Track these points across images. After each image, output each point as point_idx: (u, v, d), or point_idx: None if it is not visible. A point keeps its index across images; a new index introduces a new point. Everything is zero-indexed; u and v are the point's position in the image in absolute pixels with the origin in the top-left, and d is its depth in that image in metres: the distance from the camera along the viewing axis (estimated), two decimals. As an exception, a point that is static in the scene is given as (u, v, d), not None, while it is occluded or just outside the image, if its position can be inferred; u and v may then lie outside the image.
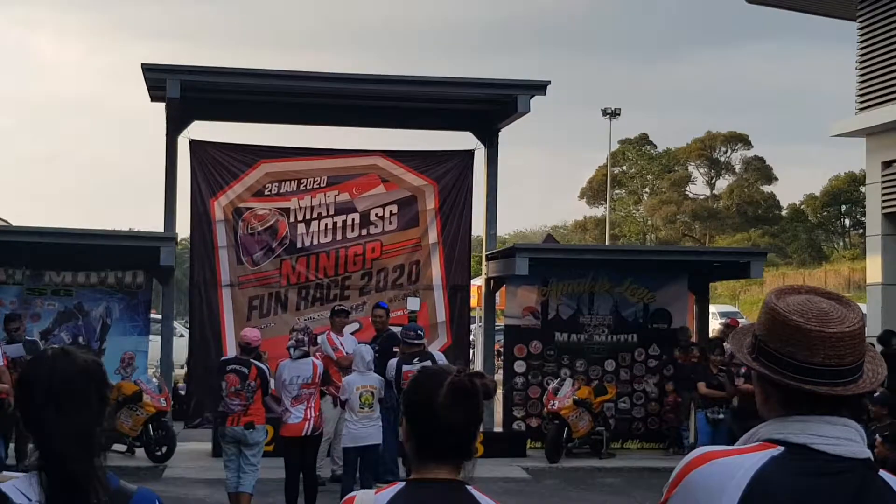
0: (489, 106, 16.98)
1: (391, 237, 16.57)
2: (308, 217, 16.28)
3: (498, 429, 16.58)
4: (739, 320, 29.73)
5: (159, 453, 14.42)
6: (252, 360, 10.84)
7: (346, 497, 2.98)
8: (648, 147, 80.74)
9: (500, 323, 19.99)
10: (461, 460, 2.96)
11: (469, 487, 2.96)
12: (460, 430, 2.93)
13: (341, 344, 13.31)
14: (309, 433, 10.86)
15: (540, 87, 15.93)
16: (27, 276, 15.73)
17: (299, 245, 16.21)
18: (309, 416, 10.84)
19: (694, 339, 17.01)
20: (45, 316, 15.31)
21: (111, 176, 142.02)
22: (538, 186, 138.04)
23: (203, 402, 15.37)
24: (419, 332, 12.04)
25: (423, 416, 2.94)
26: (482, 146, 17.09)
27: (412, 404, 3.00)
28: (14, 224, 23.57)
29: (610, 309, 16.90)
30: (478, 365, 18.76)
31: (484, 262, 17.75)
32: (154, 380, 15.16)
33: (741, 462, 2.31)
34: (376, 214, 16.52)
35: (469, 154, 17.05)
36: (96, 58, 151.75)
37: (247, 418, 10.66)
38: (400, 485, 2.93)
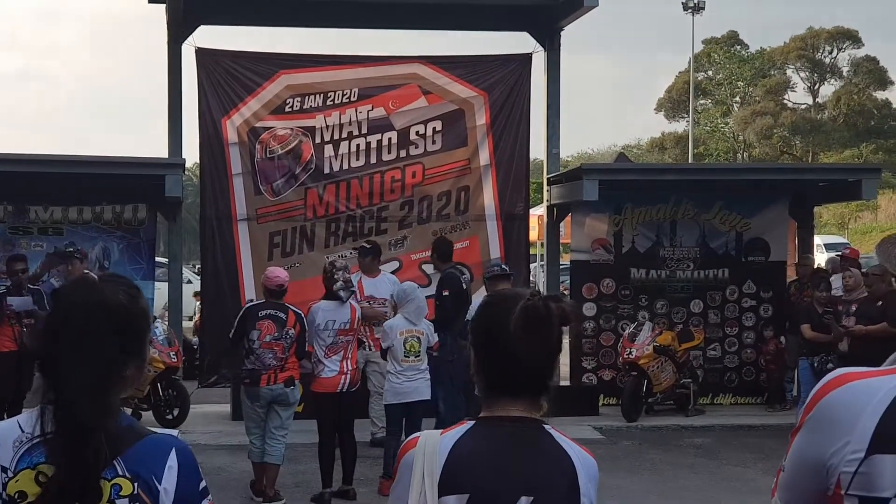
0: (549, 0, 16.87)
1: (435, 159, 16.61)
2: (336, 137, 16.33)
3: (565, 382, 16.67)
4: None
5: (170, 417, 14.66)
6: (290, 306, 10.98)
7: (409, 438, 3.09)
8: (739, 48, 79.84)
9: (566, 261, 20.03)
10: (537, 397, 3.08)
11: (547, 427, 3.07)
12: (535, 361, 3.03)
13: (374, 289, 13.47)
14: (345, 389, 10.99)
15: (609, -24, 15.79)
16: (9, 213, 15.92)
17: (327, 170, 16.30)
18: (345, 370, 10.97)
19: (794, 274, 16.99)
20: (33, 259, 15.40)
21: (100, 95, 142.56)
22: (605, 99, 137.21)
23: (219, 356, 15.55)
24: (504, 266, 12.52)
25: (493, 345, 3.06)
26: (541, 49, 17.04)
27: (480, 332, 3.12)
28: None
29: (696, 239, 16.89)
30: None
31: (545, 187, 17.73)
32: (162, 332, 15.27)
33: (883, 383, 2.37)
34: (417, 132, 16.54)
35: (526, 59, 17.00)
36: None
37: (285, 374, 10.80)
38: (468, 424, 3.04)
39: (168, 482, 2.89)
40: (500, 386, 3.05)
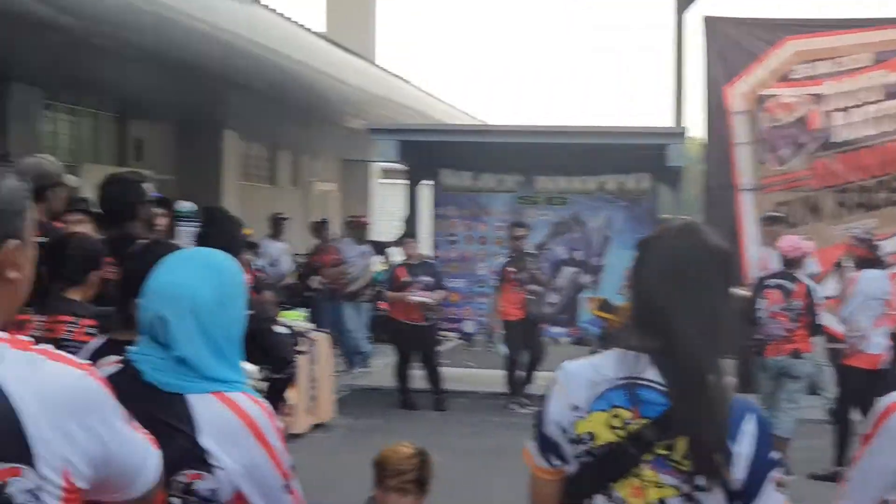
0: None
1: (955, 127, 15.46)
2: (847, 105, 15.53)
3: None
4: None
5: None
6: (798, 274, 10.62)
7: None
8: None
9: None
10: None
11: None
12: None
13: None
14: (884, 367, 10.49)
15: None
16: (519, 183, 16.41)
17: (836, 139, 15.56)
18: (888, 346, 10.50)
19: None
20: (539, 227, 15.85)
21: (603, 78, 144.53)
22: None
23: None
24: None
25: None
26: None
27: None
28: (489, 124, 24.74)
29: None
30: None
31: None
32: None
33: None
34: (936, 98, 15.48)
35: None
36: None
37: (791, 346, 10.45)
38: None
39: (742, 446, 2.84)
40: None
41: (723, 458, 2.81)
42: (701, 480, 2.83)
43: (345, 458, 11.21)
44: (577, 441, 2.94)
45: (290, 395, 11.23)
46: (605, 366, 2.95)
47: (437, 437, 11.89)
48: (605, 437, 2.89)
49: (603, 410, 2.89)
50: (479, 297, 16.27)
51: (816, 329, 10.64)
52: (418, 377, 14.31)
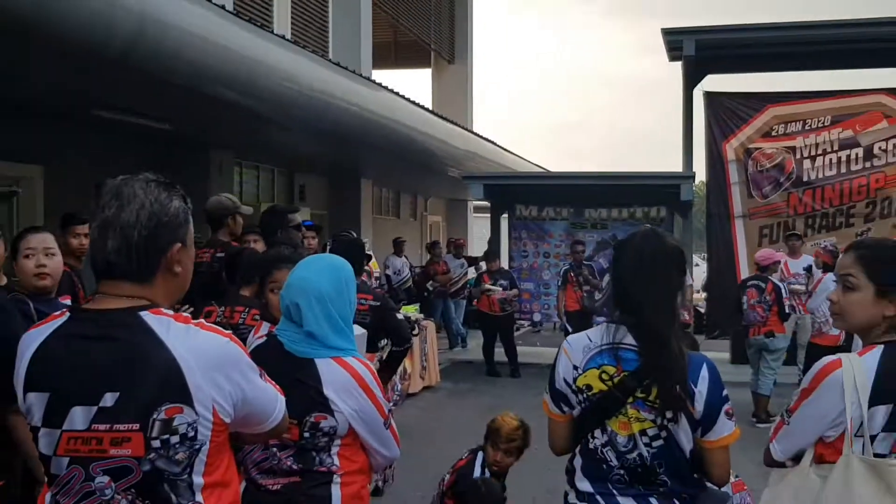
0: None
1: (896, 168, 14.91)
2: (813, 154, 15.09)
3: None
4: None
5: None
6: (769, 277, 10.43)
7: (829, 360, 2.78)
8: None
9: None
10: None
11: None
12: None
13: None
14: (841, 345, 10.15)
15: None
16: (571, 213, 16.26)
17: (805, 179, 15.07)
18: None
19: None
20: (588, 245, 15.71)
21: (630, 137, 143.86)
22: None
23: (719, 318, 14.96)
24: None
25: None
26: None
27: None
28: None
29: None
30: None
31: None
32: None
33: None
34: (880, 148, 14.90)
35: (975, 85, 14.79)
36: (622, 35, 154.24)
37: (766, 328, 10.31)
38: (879, 347, 2.77)
39: (701, 386, 2.80)
40: None
41: (685, 396, 2.76)
42: (669, 414, 2.79)
43: (449, 412, 11.13)
44: (578, 391, 2.92)
45: (408, 365, 11.19)
46: (595, 335, 2.92)
47: (514, 397, 11.78)
48: (598, 387, 2.87)
49: (595, 368, 2.87)
50: (545, 295, 16.15)
51: (785, 316, 10.37)
52: (500, 353, 14.17)
